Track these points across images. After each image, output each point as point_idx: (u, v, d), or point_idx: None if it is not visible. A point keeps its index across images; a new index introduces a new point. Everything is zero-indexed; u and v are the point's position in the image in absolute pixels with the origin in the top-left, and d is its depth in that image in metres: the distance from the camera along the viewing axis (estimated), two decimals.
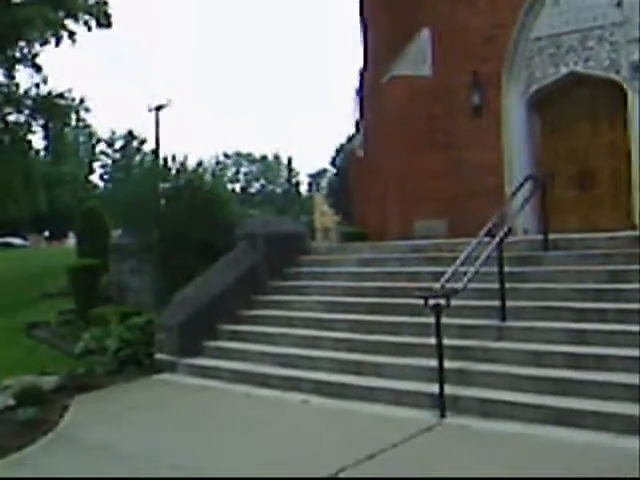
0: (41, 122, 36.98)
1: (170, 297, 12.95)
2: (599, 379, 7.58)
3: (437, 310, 7.95)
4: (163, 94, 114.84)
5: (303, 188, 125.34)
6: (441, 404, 7.90)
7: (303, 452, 7.28)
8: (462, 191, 15.36)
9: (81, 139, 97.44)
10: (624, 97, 13.90)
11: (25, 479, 7.45)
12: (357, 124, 21.98)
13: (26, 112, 35.97)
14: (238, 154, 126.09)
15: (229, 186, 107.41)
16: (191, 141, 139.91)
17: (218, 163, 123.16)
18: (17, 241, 67.83)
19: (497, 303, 9.33)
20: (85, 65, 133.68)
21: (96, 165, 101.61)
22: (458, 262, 9.12)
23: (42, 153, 66.88)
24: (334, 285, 12.52)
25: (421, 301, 8.09)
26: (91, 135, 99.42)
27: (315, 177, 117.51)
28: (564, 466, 6.25)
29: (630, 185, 13.79)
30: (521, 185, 11.69)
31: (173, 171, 18.94)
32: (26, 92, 36.10)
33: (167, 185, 17.16)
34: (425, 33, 16.45)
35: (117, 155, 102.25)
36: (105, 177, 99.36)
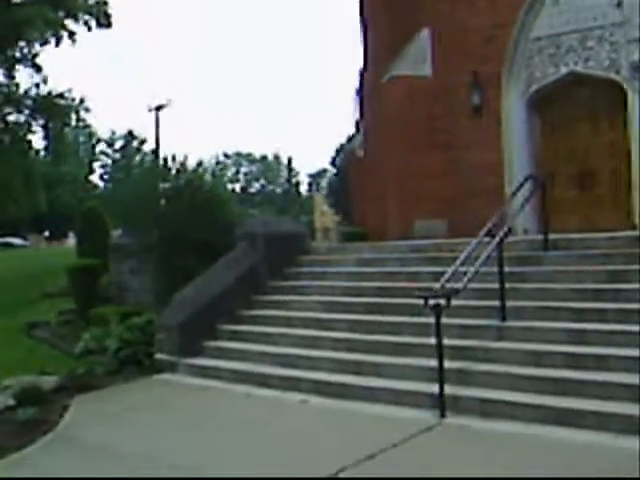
0: (41, 122, 36.99)
1: (170, 297, 12.95)
2: (599, 379, 7.58)
3: (437, 310, 7.95)
4: (163, 94, 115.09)
5: (303, 188, 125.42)
6: (441, 404, 7.90)
7: (303, 452, 7.28)
8: (462, 191, 15.36)
9: (81, 139, 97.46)
10: (624, 97, 13.90)
11: (25, 479, 7.45)
12: (357, 124, 21.98)
13: (26, 112, 35.97)
14: (238, 154, 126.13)
15: (229, 186, 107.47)
16: (191, 141, 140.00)
17: (218, 163, 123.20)
18: (17, 241, 67.85)
19: (497, 303, 9.33)
20: (85, 65, 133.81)
21: (96, 165, 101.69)
22: (458, 262, 9.12)
23: (42, 153, 66.90)
24: (334, 285, 12.52)
25: (421, 301, 8.09)
26: (91, 135, 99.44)
27: (315, 177, 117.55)
28: (564, 466, 6.25)
29: (630, 185, 13.79)
30: (521, 185, 11.69)
31: (173, 171, 18.92)
32: (26, 92, 36.11)
33: (167, 185, 17.16)
34: (425, 33, 16.45)
35: (117, 155, 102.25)
36: (105, 177, 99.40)
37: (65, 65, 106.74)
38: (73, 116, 40.10)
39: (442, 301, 8.00)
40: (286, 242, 13.93)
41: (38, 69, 35.75)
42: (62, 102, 36.35)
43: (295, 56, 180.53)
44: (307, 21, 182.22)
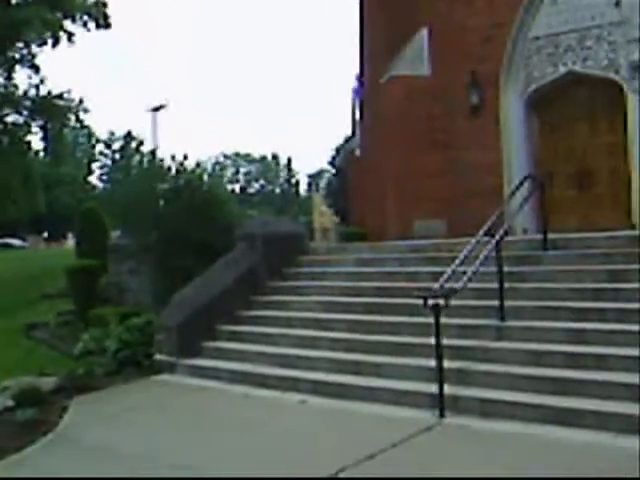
0: (40, 123, 36.97)
1: (169, 298, 12.94)
2: (599, 378, 7.57)
3: (436, 310, 7.94)
4: (161, 94, 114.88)
5: (302, 188, 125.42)
6: (440, 404, 7.89)
7: (302, 452, 7.27)
8: (461, 191, 15.36)
9: (80, 140, 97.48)
10: (622, 97, 13.90)
11: (25, 479, 7.45)
12: (356, 124, 22.00)
13: (25, 113, 35.95)
14: (237, 154, 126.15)
15: (228, 186, 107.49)
16: (190, 142, 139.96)
17: (217, 163, 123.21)
18: (16, 242, 67.90)
19: (496, 303, 9.32)
20: (84, 66, 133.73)
21: (95, 166, 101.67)
22: (457, 262, 9.11)
23: (41, 154, 66.94)
24: (333, 285, 12.52)
25: (420, 301, 8.08)
26: (90, 136, 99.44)
27: (314, 177, 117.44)
28: (564, 466, 6.24)
29: (629, 184, 13.79)
30: (520, 185, 11.67)
31: (172, 172, 18.89)
32: (25, 93, 36.07)
33: (166, 186, 17.14)
34: (423, 33, 16.45)
35: (116, 156, 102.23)
36: (104, 178, 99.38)
37: (64, 66, 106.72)
38: (72, 117, 40.06)
39: (441, 301, 8.00)
40: (285, 242, 13.92)
41: (37, 70, 35.74)
42: (61, 103, 36.32)
43: (293, 56, 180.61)
44: (305, 21, 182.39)
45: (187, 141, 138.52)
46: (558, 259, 10.55)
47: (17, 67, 35.30)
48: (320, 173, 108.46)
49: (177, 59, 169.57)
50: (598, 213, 14.17)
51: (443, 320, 8.04)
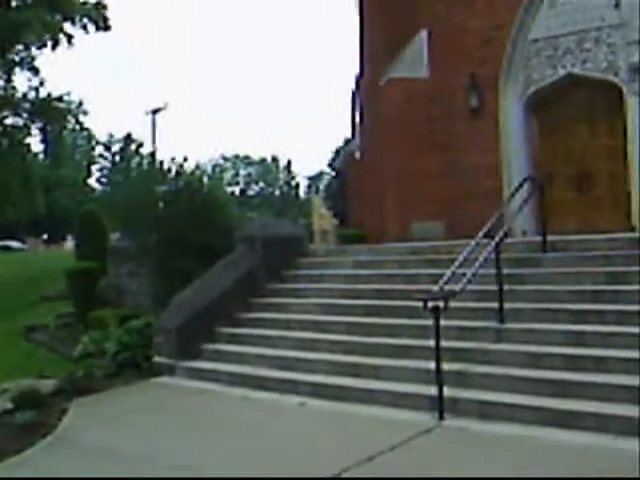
0: (39, 125, 37.01)
1: (168, 300, 12.94)
2: (598, 381, 7.57)
3: (436, 312, 7.94)
4: (161, 97, 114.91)
5: (302, 190, 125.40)
6: (440, 406, 7.89)
7: (301, 454, 7.27)
8: (460, 193, 15.37)
9: (79, 142, 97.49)
10: (622, 99, 13.92)
11: (25, 479, 7.47)
12: (355, 126, 21.99)
13: (24, 115, 35.99)
14: (236, 156, 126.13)
15: (227, 189, 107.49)
16: (189, 144, 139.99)
17: (216, 166, 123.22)
18: (15, 244, 67.93)
19: (495, 305, 9.31)
20: (83, 68, 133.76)
21: (94, 168, 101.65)
22: (456, 264, 9.11)
23: (41, 156, 66.95)
24: (332, 287, 12.51)
25: (419, 303, 8.08)
26: (89, 138, 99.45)
27: (313, 179, 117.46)
28: (564, 467, 6.24)
29: (629, 186, 13.80)
30: (519, 186, 11.68)
31: (171, 174, 18.93)
32: (24, 95, 36.12)
33: (165, 188, 17.15)
34: (423, 35, 16.47)
35: (115, 158, 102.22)
36: (103, 180, 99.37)
37: (63, 68, 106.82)
38: (71, 119, 40.13)
39: (440, 303, 8.00)
40: (284, 245, 13.92)
41: (36, 72, 35.80)
42: (60, 105, 36.40)
43: (293, 58, 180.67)
44: (305, 23, 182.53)
45: (186, 143, 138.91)
46: (557, 261, 10.55)
47: (17, 69, 35.37)
48: (320, 175, 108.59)
49: (177, 61, 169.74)
50: (597, 215, 14.17)
51: (442, 322, 8.04)
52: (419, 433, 7.45)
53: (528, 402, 7.63)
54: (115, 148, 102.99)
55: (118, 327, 13.28)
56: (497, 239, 9.38)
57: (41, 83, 36.31)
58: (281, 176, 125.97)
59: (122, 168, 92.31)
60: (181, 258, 14.32)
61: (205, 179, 54.47)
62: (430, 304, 8.00)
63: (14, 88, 36.20)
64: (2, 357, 14.00)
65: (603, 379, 7.59)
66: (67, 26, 33.60)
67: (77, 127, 47.65)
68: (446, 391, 7.93)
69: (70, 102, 37.56)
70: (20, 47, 34.11)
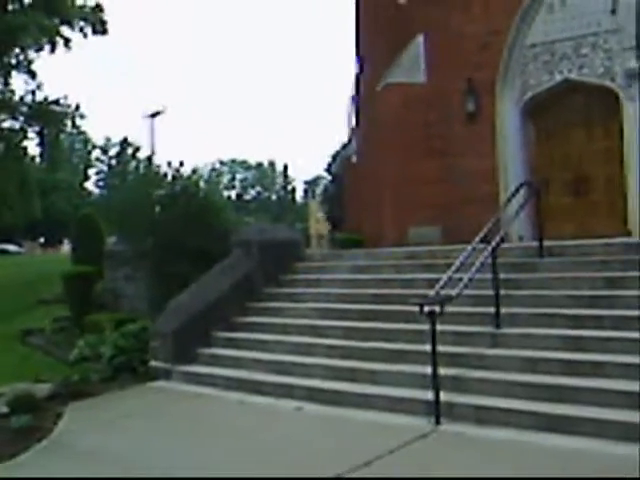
0: (36, 129, 37.00)
1: (165, 304, 12.93)
2: (595, 386, 7.56)
3: (432, 317, 7.94)
4: (158, 101, 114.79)
5: (299, 195, 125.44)
6: (436, 411, 7.88)
7: (298, 459, 7.26)
8: (457, 198, 15.37)
9: (76, 146, 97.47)
10: (618, 104, 13.94)
11: (25, 479, 7.48)
12: (352, 131, 22.01)
13: (21, 119, 35.99)
14: (233, 161, 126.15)
15: (224, 193, 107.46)
16: (186, 148, 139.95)
17: (213, 170, 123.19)
18: (12, 248, 67.84)
19: (492, 310, 9.32)
20: (80, 72, 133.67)
21: (91, 172, 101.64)
22: (453, 269, 9.12)
23: (37, 160, 66.88)
24: (329, 292, 12.51)
25: (416, 308, 8.09)
26: (86, 142, 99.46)
27: (310, 184, 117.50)
28: (559, 472, 6.24)
29: (625, 191, 13.82)
30: (516, 191, 11.69)
31: (168, 178, 18.90)
32: (21, 99, 36.12)
33: (162, 192, 17.14)
34: (420, 40, 16.48)
35: (112, 162, 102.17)
36: (100, 184, 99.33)
37: (60, 72, 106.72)
38: (68, 123, 40.11)
39: (437, 308, 8.00)
40: (281, 249, 13.92)
41: (33, 76, 35.78)
42: (57, 109, 36.40)
43: (290, 63, 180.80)
44: (302, 28, 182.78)
45: (183, 147, 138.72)
46: (554, 266, 10.55)
47: (14, 73, 35.36)
48: (317, 180, 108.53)
49: (174, 64, 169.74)
50: (594, 220, 14.18)
51: (439, 327, 8.05)
52: (415, 438, 7.44)
53: (524, 407, 7.63)
54: (112, 152, 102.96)
55: (114, 331, 13.26)
56: (494, 244, 9.38)
57: (38, 86, 36.33)
58: (278, 180, 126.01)
59: (119, 172, 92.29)
60: (177, 262, 14.32)
61: (202, 183, 54.46)
62: (426, 309, 8.00)
63: (11, 91, 36.24)
64: None
65: (600, 384, 7.58)
66: (64, 29, 33.67)
67: (74, 130, 47.64)
68: (442, 396, 7.93)
69: (67, 105, 37.47)
70: (17, 50, 34.11)
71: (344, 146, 25.64)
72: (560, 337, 8.69)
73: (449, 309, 8.20)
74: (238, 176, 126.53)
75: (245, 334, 12.04)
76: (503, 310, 9.32)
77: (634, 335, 8.07)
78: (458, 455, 6.98)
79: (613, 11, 13.86)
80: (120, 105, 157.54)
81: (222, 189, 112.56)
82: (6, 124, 36.04)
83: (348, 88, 22.28)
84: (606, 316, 8.82)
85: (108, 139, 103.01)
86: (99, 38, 34.73)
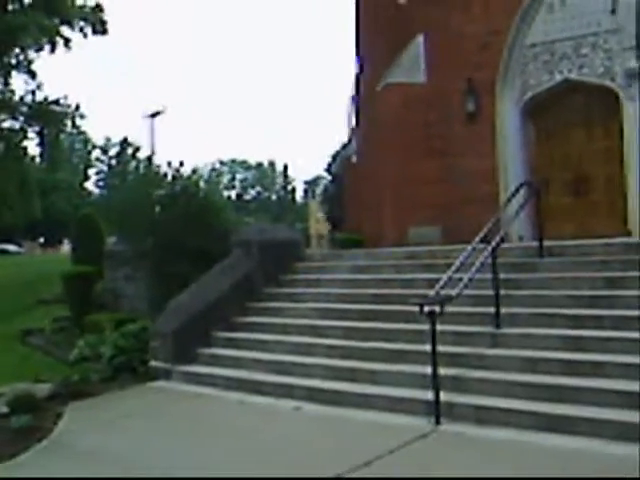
0: (36, 129, 37.00)
1: (165, 304, 12.93)
2: (595, 386, 7.56)
3: (432, 317, 7.94)
4: (158, 101, 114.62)
5: (299, 195, 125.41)
6: (436, 411, 7.88)
7: (297, 459, 7.26)
8: (457, 198, 15.36)
9: (76, 146, 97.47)
10: (618, 104, 13.94)
11: (25, 479, 7.48)
12: (352, 131, 22.01)
13: (21, 119, 35.99)
14: (233, 161, 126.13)
15: (224, 193, 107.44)
16: (186, 148, 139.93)
17: (213, 170, 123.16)
18: (12, 248, 67.86)
19: (492, 310, 9.31)
20: (80, 72, 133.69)
21: (91, 172, 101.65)
22: (453, 269, 9.12)
23: (37, 160, 66.88)
24: (329, 292, 12.50)
25: (416, 308, 8.09)
26: (86, 142, 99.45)
27: (310, 184, 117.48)
28: (559, 473, 6.24)
29: (625, 191, 13.82)
30: (516, 191, 11.69)
31: (168, 178, 18.90)
32: (21, 98, 36.12)
33: (162, 192, 17.14)
34: (420, 40, 16.48)
35: (112, 162, 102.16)
36: (100, 184, 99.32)
37: (60, 72, 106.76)
38: (68, 123, 40.11)
39: (437, 308, 8.00)
40: (281, 249, 13.92)
41: (33, 76, 35.78)
42: (57, 109, 36.40)
43: (290, 63, 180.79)
44: (302, 28, 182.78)
45: (183, 147, 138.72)
46: (554, 266, 10.55)
47: (14, 73, 35.36)
48: (317, 180, 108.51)
49: (174, 64, 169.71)
50: (594, 220, 14.17)
51: (439, 327, 8.05)
52: (415, 438, 7.44)
53: (524, 407, 7.63)
54: (112, 152, 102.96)
55: (114, 331, 13.25)
56: (494, 244, 9.38)
57: (38, 87, 36.32)
58: (278, 180, 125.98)
59: (119, 172, 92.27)
60: (177, 262, 14.31)
61: (202, 183, 54.46)
62: (426, 309, 8.00)
63: (11, 91, 36.23)
64: None
65: (600, 384, 7.57)
66: (64, 29, 33.67)
67: (74, 130, 47.60)
68: (442, 396, 7.93)
69: (67, 105, 37.48)
70: (17, 50, 34.11)
71: (344, 146, 25.63)
72: (560, 337, 8.69)
73: (449, 309, 8.20)
74: (238, 176, 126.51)
75: (245, 334, 12.04)
76: (503, 310, 9.32)
77: (634, 335, 8.07)
78: (458, 455, 6.98)
79: (613, 11, 13.86)
80: (120, 105, 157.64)
81: (222, 189, 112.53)
82: (6, 124, 36.05)
83: (348, 88, 22.29)
84: (606, 316, 8.82)
85: (108, 139, 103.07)
86: (99, 38, 34.76)
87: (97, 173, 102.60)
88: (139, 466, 7.40)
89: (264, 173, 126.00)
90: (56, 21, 32.90)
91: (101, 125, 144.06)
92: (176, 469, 7.16)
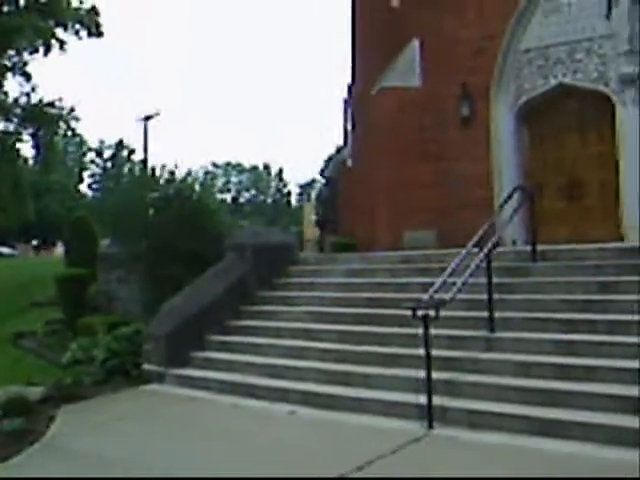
0: (31, 131, 36.91)
1: (158, 307, 12.89)
2: (588, 390, 7.57)
3: (426, 321, 7.94)
4: (152, 103, 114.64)
5: (293, 198, 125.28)
6: (429, 415, 7.88)
7: (291, 463, 7.24)
8: (451, 202, 15.39)
9: (70, 148, 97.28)
10: (612, 109, 13.98)
11: (25, 479, 7.47)
12: (347, 135, 22.00)
13: (15, 121, 35.91)
14: (228, 164, 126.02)
15: (219, 196, 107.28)
16: (180, 151, 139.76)
17: (208, 173, 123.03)
18: (5, 250, 67.67)
19: (486, 314, 9.31)
20: (75, 74, 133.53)
21: (85, 174, 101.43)
22: (447, 273, 9.11)
23: (31, 162, 66.72)
24: (323, 296, 12.49)
25: (410, 312, 8.08)
26: (81, 144, 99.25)
27: (305, 187, 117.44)
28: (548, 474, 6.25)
29: (619, 196, 13.85)
30: (510, 196, 11.69)
31: (162, 181, 18.92)
32: (16, 100, 36.03)
33: (156, 195, 17.13)
34: (414, 44, 16.51)
35: (106, 164, 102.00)
36: (94, 186, 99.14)
37: (55, 74, 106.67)
38: (63, 125, 40.04)
39: (431, 312, 7.99)
40: (275, 253, 13.91)
41: (28, 78, 35.71)
42: (52, 111, 36.30)
43: (286, 66, 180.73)
44: (297, 32, 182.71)
45: (178, 150, 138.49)
46: (548, 270, 10.57)
47: (8, 75, 35.28)
48: (312, 183, 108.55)
49: (169, 67, 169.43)
50: (588, 224, 14.21)
51: (432, 331, 8.04)
52: (408, 442, 7.44)
53: (517, 411, 7.63)
54: (106, 154, 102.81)
55: (107, 334, 13.23)
56: (487, 248, 9.39)
57: (33, 89, 36.24)
58: (273, 184, 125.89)
59: (113, 174, 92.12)
60: (171, 265, 14.29)
61: (196, 186, 54.42)
62: (420, 313, 8.00)
63: (5, 93, 36.13)
64: None
65: (593, 388, 7.59)
66: (59, 32, 33.63)
67: (69, 133, 47.47)
68: (435, 400, 7.92)
69: (62, 108, 37.40)
70: (12, 52, 34.06)
71: (339, 149, 25.63)
72: (553, 341, 8.70)
73: (443, 313, 8.18)
74: (233, 179, 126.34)
75: (239, 337, 12.02)
76: (497, 314, 9.32)
77: (627, 339, 8.09)
78: (450, 459, 6.98)
79: (607, 16, 13.90)
80: (115, 108, 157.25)
81: (216, 192, 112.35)
82: (0, 126, 35.99)
83: (343, 91, 22.30)
84: (599, 320, 8.83)
85: (102, 142, 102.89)
86: (95, 41, 34.79)
87: (91, 175, 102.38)
88: (132, 468, 7.37)
89: (259, 176, 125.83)
90: (51, 23, 32.87)
91: (96, 128, 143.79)
92: (170, 471, 7.14)
